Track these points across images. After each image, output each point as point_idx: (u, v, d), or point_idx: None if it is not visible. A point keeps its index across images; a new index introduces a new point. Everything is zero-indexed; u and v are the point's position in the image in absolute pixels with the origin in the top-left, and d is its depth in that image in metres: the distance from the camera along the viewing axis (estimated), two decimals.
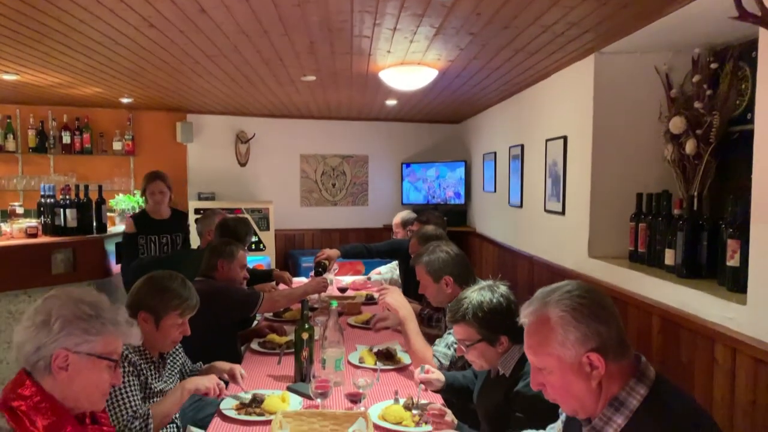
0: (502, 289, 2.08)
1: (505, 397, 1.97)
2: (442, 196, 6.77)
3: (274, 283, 4.23)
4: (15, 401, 1.34)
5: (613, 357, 1.28)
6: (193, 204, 6.08)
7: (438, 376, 2.33)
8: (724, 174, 2.89)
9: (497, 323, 1.97)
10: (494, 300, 2.00)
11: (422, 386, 2.31)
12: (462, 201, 6.67)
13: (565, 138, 3.81)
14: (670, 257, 2.80)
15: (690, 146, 2.90)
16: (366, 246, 4.37)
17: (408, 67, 3.77)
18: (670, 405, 1.26)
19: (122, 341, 1.48)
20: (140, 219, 4.21)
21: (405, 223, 4.73)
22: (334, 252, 3.96)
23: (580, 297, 1.32)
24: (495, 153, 5.55)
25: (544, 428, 1.79)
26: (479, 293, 2.04)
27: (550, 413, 1.86)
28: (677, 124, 2.97)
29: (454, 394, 2.38)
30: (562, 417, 1.65)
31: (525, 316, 1.38)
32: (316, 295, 3.80)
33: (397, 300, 2.71)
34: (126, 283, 4.04)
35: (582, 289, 1.35)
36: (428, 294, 2.87)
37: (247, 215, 5.95)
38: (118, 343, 1.47)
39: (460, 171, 6.64)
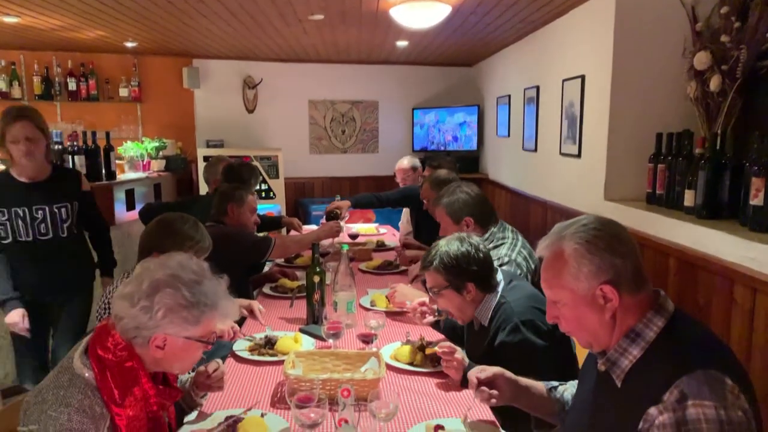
0: (473, 239, 2.11)
1: (488, 346, 2.01)
2: (441, 140, 6.66)
3: (284, 229, 4.22)
4: (103, 351, 1.35)
5: (629, 290, 1.26)
6: (201, 151, 6.03)
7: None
8: (749, 111, 2.78)
9: (462, 270, 2.02)
10: (462, 248, 2.04)
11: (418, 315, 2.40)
12: (460, 146, 6.55)
13: (582, 77, 3.68)
14: (689, 198, 2.72)
15: (714, 83, 2.78)
16: (376, 196, 4.34)
17: (420, 3, 3.61)
18: (688, 337, 1.23)
19: (220, 320, 1.48)
20: None
21: (415, 168, 4.66)
22: (345, 203, 3.93)
23: (595, 230, 1.28)
24: (509, 96, 5.40)
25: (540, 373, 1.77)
26: (447, 242, 2.08)
27: (546, 357, 1.89)
28: (702, 59, 2.84)
29: (448, 331, 2.42)
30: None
31: (541, 250, 1.35)
32: (327, 241, 3.78)
33: (406, 295, 2.66)
34: None
35: (598, 222, 1.31)
36: None
37: (256, 163, 5.89)
38: (215, 324, 1.47)
39: (459, 116, 6.50)
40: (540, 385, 1.68)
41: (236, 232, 3.06)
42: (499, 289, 2.07)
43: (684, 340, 1.22)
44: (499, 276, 2.11)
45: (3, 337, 3.69)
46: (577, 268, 1.26)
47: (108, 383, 1.32)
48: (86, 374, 1.32)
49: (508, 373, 1.65)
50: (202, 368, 1.82)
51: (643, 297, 1.28)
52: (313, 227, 4.77)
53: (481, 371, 1.65)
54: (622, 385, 1.26)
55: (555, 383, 1.69)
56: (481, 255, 2.05)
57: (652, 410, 1.13)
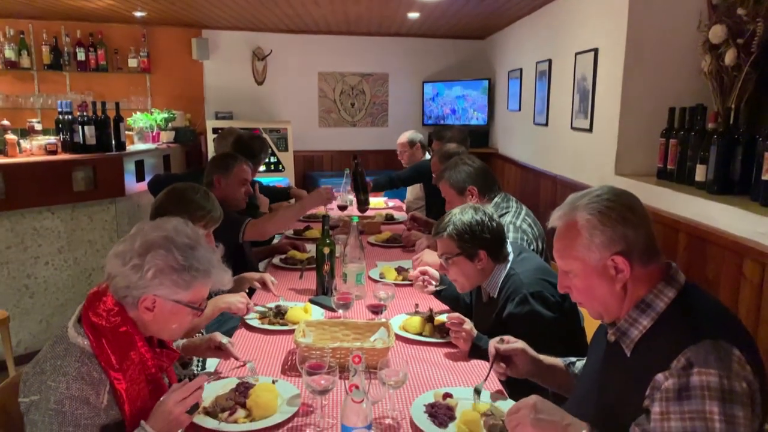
0: (487, 209, 2.12)
1: (497, 318, 2.02)
2: (440, 114, 6.62)
3: (293, 200, 4.22)
4: (96, 318, 1.35)
5: (640, 261, 1.26)
6: (210, 123, 6.02)
7: (433, 272, 2.41)
8: (763, 86, 2.74)
9: (476, 237, 2.03)
10: (476, 216, 2.06)
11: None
12: (458, 119, 6.52)
13: (595, 51, 3.63)
14: (701, 173, 2.71)
15: (729, 56, 2.74)
16: (390, 177, 4.36)
17: None
18: (699, 308, 1.24)
19: (211, 288, 1.48)
20: None
21: (413, 142, 4.66)
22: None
23: (608, 201, 1.28)
24: (521, 69, 5.34)
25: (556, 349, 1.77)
26: (461, 210, 2.10)
27: (554, 328, 1.90)
28: (717, 32, 2.79)
29: (449, 302, 2.44)
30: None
31: (554, 220, 1.35)
32: (336, 215, 3.79)
33: (427, 262, 2.68)
34: None
35: (612, 192, 1.31)
36: None
37: (265, 135, 5.88)
38: (206, 291, 1.47)
39: (457, 89, 6.48)
40: (559, 362, 1.69)
41: None
42: (509, 260, 2.09)
43: (694, 311, 1.23)
44: (509, 248, 2.12)
45: (16, 306, 3.77)
46: (589, 238, 1.27)
47: (104, 349, 1.32)
48: (81, 342, 1.33)
49: (531, 351, 1.66)
50: (216, 334, 1.85)
51: (655, 268, 1.28)
52: None
53: (501, 341, 1.65)
54: (632, 355, 1.27)
55: (573, 359, 1.70)
56: (495, 224, 2.07)
57: (659, 376, 1.15)
